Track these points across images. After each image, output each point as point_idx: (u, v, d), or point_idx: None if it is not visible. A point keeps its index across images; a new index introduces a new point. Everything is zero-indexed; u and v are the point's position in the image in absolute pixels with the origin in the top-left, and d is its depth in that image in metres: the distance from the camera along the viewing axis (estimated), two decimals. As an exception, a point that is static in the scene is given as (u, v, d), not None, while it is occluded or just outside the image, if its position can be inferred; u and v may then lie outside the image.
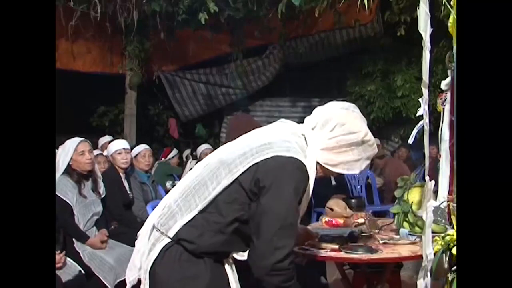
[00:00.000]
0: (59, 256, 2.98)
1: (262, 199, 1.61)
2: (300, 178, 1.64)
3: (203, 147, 6.03)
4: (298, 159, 1.64)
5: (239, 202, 1.65)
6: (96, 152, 4.23)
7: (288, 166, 1.62)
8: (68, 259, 3.09)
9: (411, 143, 1.96)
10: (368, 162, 1.80)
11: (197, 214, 1.67)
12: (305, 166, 1.65)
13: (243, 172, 1.63)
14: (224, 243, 1.68)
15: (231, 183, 1.64)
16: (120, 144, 4.08)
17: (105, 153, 4.24)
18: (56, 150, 3.33)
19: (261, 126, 2.69)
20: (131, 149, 4.27)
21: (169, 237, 1.68)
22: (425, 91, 1.70)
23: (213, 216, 1.66)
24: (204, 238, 1.65)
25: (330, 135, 1.73)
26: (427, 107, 1.74)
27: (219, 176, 1.66)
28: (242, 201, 1.65)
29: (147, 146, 4.57)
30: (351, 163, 1.75)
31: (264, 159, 1.63)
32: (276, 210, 1.59)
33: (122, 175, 4.04)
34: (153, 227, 1.73)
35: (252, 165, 1.63)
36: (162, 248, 1.68)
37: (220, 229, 1.66)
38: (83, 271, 3.10)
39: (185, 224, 1.67)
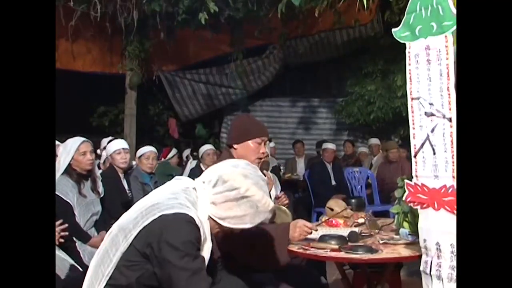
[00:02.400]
0: (58, 229, 2.96)
1: (162, 258, 1.65)
2: (188, 230, 1.67)
3: (206, 147, 5.91)
4: (183, 213, 1.68)
5: (137, 264, 1.70)
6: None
7: (173, 222, 1.66)
8: (68, 258, 3.09)
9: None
10: (262, 217, 1.81)
11: (105, 285, 1.71)
12: (192, 217, 1.69)
13: (135, 237, 1.69)
14: None
15: (128, 248, 1.69)
16: (119, 144, 4.08)
17: (104, 153, 4.24)
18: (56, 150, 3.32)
19: (263, 126, 2.71)
20: (136, 149, 4.24)
21: None
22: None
23: (119, 281, 1.71)
24: None
25: (215, 191, 1.77)
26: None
27: (118, 243, 1.72)
28: (141, 263, 1.70)
29: (153, 149, 4.51)
30: (239, 218, 1.77)
31: (152, 220, 1.68)
32: (177, 264, 1.63)
33: (121, 175, 4.05)
34: None
35: (142, 228, 1.68)
36: None
37: None
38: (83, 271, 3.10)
39: None
